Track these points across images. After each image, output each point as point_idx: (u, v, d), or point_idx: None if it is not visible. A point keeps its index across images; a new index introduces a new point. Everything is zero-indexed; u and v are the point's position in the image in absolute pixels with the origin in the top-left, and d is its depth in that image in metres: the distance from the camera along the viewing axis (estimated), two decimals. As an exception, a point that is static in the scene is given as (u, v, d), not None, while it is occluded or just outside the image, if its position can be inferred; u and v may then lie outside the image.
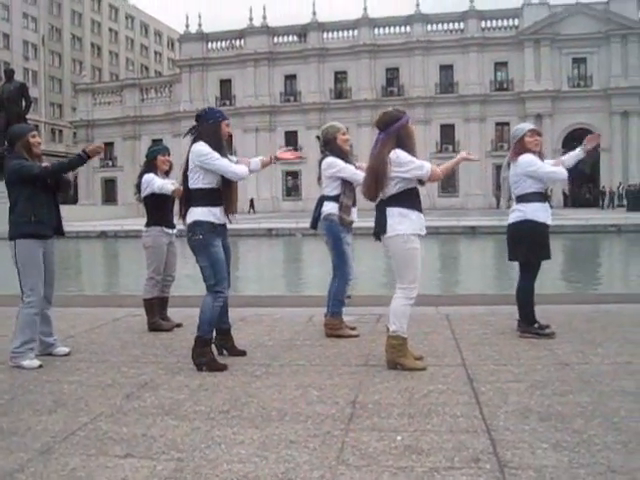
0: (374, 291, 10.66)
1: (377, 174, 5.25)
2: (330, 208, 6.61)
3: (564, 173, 6.52)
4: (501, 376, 4.95)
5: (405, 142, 5.28)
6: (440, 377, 4.95)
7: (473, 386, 4.69)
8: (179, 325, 7.26)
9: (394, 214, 5.26)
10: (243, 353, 5.82)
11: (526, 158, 6.45)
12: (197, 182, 5.42)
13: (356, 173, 6.46)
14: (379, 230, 5.34)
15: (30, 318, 5.68)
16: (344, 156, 6.64)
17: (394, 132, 5.27)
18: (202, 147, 5.37)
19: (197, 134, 5.49)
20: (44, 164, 5.81)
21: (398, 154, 5.20)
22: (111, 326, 7.47)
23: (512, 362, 5.39)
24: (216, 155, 5.34)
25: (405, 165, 5.17)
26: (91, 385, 4.96)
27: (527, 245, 6.45)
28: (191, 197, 5.48)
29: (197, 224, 5.41)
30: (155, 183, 7.12)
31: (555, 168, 6.53)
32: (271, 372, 5.23)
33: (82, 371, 5.39)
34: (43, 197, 5.76)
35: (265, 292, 12.20)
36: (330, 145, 6.68)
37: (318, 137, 6.85)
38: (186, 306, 7.97)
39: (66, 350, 6.01)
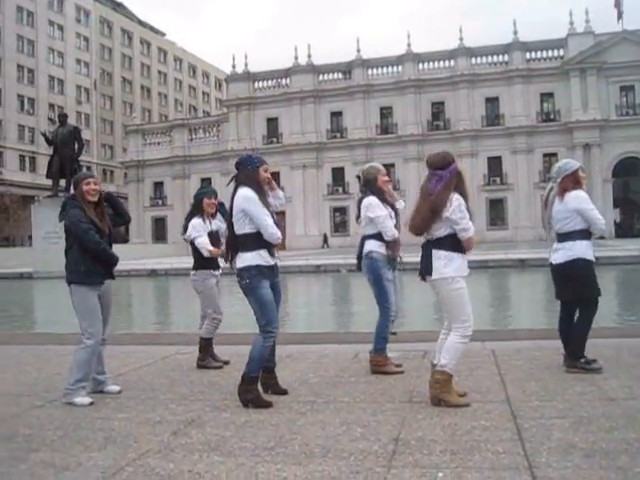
0: (420, 327, 10.64)
1: (435, 212, 5.31)
2: (371, 246, 6.69)
3: (604, 225, 6.51)
4: (545, 412, 4.92)
5: (462, 182, 5.37)
6: (484, 413, 4.95)
7: (516, 422, 4.67)
8: (227, 362, 7.37)
9: (440, 257, 5.33)
10: (285, 392, 5.87)
11: (581, 194, 6.45)
12: (243, 227, 5.57)
13: (388, 226, 6.60)
14: (425, 271, 5.42)
15: (87, 358, 5.86)
16: (383, 197, 6.75)
17: (454, 173, 5.36)
18: (249, 192, 5.56)
19: (238, 181, 5.68)
20: (96, 236, 5.88)
21: (461, 202, 5.29)
22: (160, 364, 7.62)
23: (557, 398, 5.36)
24: (260, 206, 5.51)
25: (459, 218, 5.26)
26: (140, 422, 5.08)
27: (581, 284, 6.43)
28: (238, 242, 5.62)
29: (244, 270, 5.57)
30: (197, 237, 7.34)
31: (601, 217, 6.49)
32: (315, 409, 5.29)
33: (131, 408, 5.53)
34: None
35: (312, 329, 12.26)
36: (370, 185, 6.81)
37: (359, 177, 6.98)
38: (234, 344, 8.10)
39: (117, 389, 6.16)
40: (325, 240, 63.16)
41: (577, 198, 6.44)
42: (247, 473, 3.83)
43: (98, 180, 6.20)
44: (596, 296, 6.51)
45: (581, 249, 6.40)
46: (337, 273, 28.77)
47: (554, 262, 6.61)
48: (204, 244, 7.30)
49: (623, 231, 59.56)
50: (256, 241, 5.56)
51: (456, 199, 5.29)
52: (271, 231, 5.53)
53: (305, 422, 4.91)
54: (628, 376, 6.01)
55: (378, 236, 6.68)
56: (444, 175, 5.36)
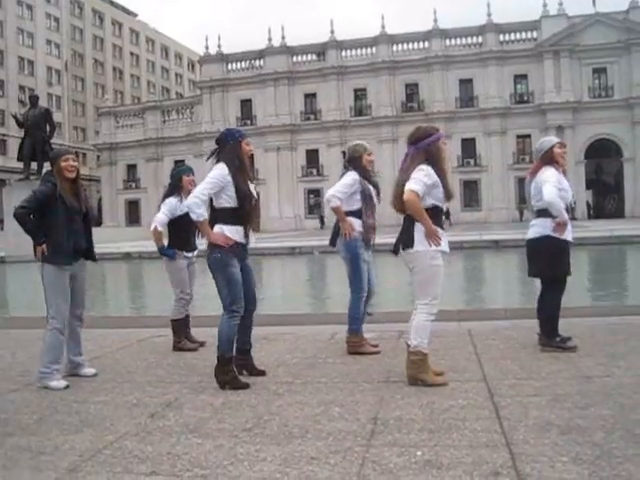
0: (395, 307, 10.66)
1: (401, 186, 5.29)
2: (350, 223, 6.65)
3: (561, 209, 6.29)
4: (522, 390, 4.96)
5: (434, 158, 5.33)
6: (461, 392, 4.97)
7: (494, 401, 4.71)
8: (202, 344, 7.34)
9: (422, 229, 5.28)
10: (263, 373, 5.85)
11: (546, 171, 6.44)
12: (222, 202, 5.54)
13: (334, 195, 6.57)
14: (405, 244, 5.35)
15: (55, 340, 5.80)
16: (366, 175, 6.74)
17: (423, 147, 5.33)
18: (222, 168, 5.53)
19: (218, 156, 5.62)
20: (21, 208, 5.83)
21: (428, 170, 5.25)
22: (136, 347, 7.57)
23: (533, 376, 5.40)
24: (205, 188, 5.48)
25: (431, 183, 5.23)
26: (117, 405, 5.04)
27: (546, 261, 6.45)
28: (216, 216, 5.59)
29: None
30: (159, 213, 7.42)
31: (559, 201, 6.28)
32: (293, 390, 5.29)
33: (108, 391, 5.48)
34: (63, 224, 5.80)
35: (288, 310, 12.25)
36: (355, 162, 6.79)
37: (344, 152, 6.98)
38: (211, 326, 8.03)
39: (93, 371, 6.11)
40: (322, 221, 59.69)
41: (541, 174, 6.46)
42: (226, 454, 3.82)
43: (75, 157, 6.11)
44: (564, 275, 6.53)
45: (550, 226, 6.39)
46: (311, 255, 28.78)
47: (527, 237, 6.66)
48: (156, 219, 7.35)
49: (596, 212, 60.20)
50: (234, 217, 5.52)
51: (419, 170, 5.25)
52: (191, 201, 5.47)
53: (283, 403, 4.91)
54: (602, 354, 6.07)
55: (357, 213, 6.65)
56: (410, 152, 5.41)
